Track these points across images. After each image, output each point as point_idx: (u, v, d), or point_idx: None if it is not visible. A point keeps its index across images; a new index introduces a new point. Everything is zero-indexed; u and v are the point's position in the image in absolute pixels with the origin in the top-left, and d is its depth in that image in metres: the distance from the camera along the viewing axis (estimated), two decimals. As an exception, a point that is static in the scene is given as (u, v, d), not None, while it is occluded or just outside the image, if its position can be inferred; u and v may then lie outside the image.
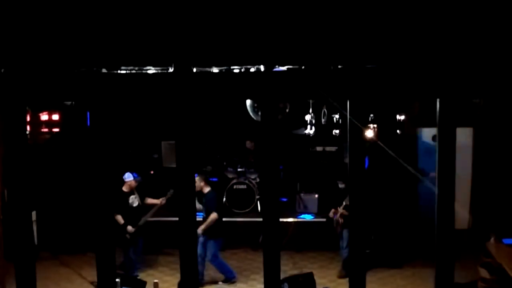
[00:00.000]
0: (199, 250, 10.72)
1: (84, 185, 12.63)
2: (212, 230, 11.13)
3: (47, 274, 11.53)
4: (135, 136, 15.30)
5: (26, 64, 4.40)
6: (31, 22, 4.33)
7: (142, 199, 11.80)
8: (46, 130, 13.68)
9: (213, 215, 11.09)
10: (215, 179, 14.61)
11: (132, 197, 11.57)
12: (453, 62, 4.25)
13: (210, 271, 11.42)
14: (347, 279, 11.25)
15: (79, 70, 4.49)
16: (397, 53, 4.33)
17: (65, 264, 12.32)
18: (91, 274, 11.39)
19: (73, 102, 11.64)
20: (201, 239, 11.00)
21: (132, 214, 11.48)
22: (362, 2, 4.32)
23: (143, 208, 11.74)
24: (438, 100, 4.22)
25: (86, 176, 12.51)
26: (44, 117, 13.63)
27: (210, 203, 11.29)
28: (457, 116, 4.44)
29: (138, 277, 11.33)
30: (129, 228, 11.33)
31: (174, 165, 14.70)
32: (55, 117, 13.78)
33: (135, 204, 11.61)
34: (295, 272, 11.15)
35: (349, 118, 4.31)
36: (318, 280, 10.12)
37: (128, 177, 11.51)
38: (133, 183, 11.55)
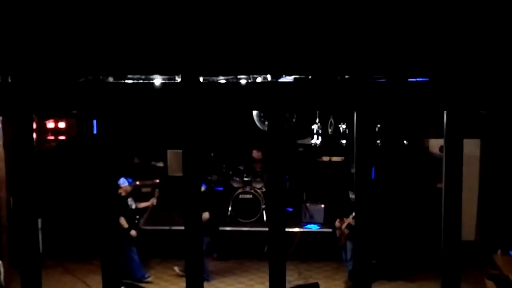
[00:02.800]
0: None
1: (89, 193, 12.70)
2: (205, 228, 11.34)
3: (51, 282, 11.53)
4: (141, 145, 15.35)
5: (33, 72, 4.40)
6: (38, 30, 4.32)
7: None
8: (52, 137, 13.73)
9: (205, 214, 11.30)
10: (220, 188, 14.61)
11: (129, 200, 11.80)
12: (460, 73, 4.22)
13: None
14: (353, 290, 11.42)
15: (86, 79, 4.49)
16: (405, 64, 4.30)
17: (70, 272, 12.31)
18: (96, 282, 11.39)
19: (79, 111, 11.69)
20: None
21: (133, 217, 11.73)
22: (369, 13, 4.29)
23: (138, 211, 11.99)
24: (445, 112, 4.19)
25: (92, 184, 12.65)
26: (50, 124, 13.69)
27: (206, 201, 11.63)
28: (465, 128, 4.41)
29: (150, 277, 11.71)
30: (133, 232, 11.55)
31: (179, 174, 14.94)
32: (61, 124, 13.85)
33: (133, 206, 11.88)
34: (300, 282, 11.12)
35: (356, 129, 4.28)
36: (324, 291, 10.10)
37: (123, 182, 11.66)
38: (128, 188, 11.75)
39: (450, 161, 4.33)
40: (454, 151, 4.32)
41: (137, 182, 12.25)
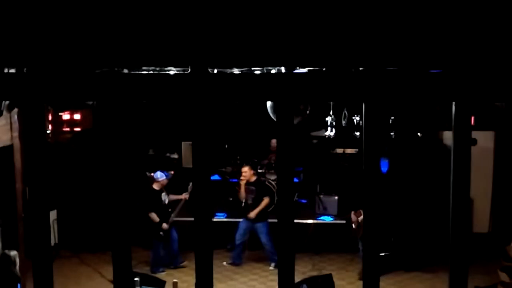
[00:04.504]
0: (243, 236, 12.07)
1: (104, 184, 12.77)
2: (263, 214, 12.11)
3: (67, 272, 11.64)
4: (155, 137, 15.39)
5: (49, 64, 4.44)
6: (53, 22, 4.37)
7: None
8: (67, 129, 13.80)
9: (266, 200, 12.14)
10: (235, 180, 14.64)
11: (163, 194, 12.02)
12: (470, 65, 4.22)
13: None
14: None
15: (101, 70, 4.53)
16: (416, 56, 4.31)
17: (86, 263, 12.42)
18: (110, 273, 11.40)
19: (95, 102, 11.78)
20: (247, 224, 12.06)
21: (165, 211, 11.94)
22: (382, 5, 4.31)
23: (171, 204, 12.17)
24: (453, 103, 4.20)
25: (106, 175, 12.71)
26: (65, 116, 13.76)
27: (262, 190, 12.39)
28: (479, 120, 4.43)
29: (164, 272, 11.78)
30: (164, 225, 11.78)
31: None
32: (77, 116, 13.91)
33: (166, 201, 12.08)
34: (314, 273, 11.16)
35: (365, 121, 4.31)
36: (337, 282, 10.11)
37: (161, 176, 11.98)
38: (165, 182, 12.07)
39: (458, 151, 4.34)
40: (462, 141, 4.33)
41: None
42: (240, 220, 12.34)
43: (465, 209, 4.27)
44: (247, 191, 12.20)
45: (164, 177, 12.01)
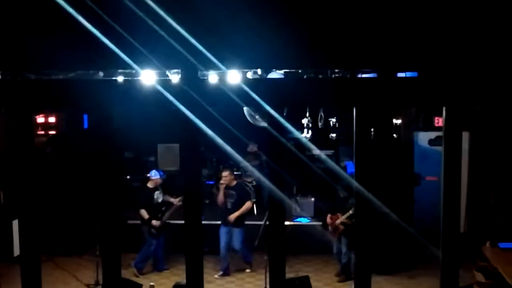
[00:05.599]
0: (226, 239, 11.77)
1: (79, 187, 12.71)
2: (241, 219, 11.86)
3: (42, 276, 11.47)
4: (131, 139, 15.30)
5: (29, 70, 4.44)
6: (38, 28, 4.36)
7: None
8: (42, 132, 13.71)
9: (248, 204, 11.91)
10: (212, 182, 14.62)
11: (156, 192, 12.13)
12: (458, 71, 4.28)
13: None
14: (345, 283, 11.45)
15: (79, 76, 4.53)
16: (405, 61, 4.36)
17: (61, 267, 12.30)
18: (87, 277, 11.40)
19: (70, 107, 11.71)
20: (226, 230, 11.80)
21: (157, 210, 12.00)
22: (362, 10, 4.34)
23: (166, 204, 12.23)
24: (444, 108, 4.26)
25: (82, 178, 12.63)
26: (40, 119, 13.66)
27: (243, 194, 12.06)
28: (461, 122, 4.48)
29: (167, 270, 12.00)
30: (154, 222, 11.80)
31: (170, 168, 14.90)
32: (51, 119, 13.83)
33: (160, 199, 12.16)
34: (291, 275, 11.10)
35: (356, 126, 4.33)
36: (314, 283, 10.14)
37: (155, 175, 12.13)
38: (159, 181, 12.17)
39: (449, 155, 4.38)
40: (452, 144, 4.38)
41: (128, 177, 12.33)
42: (220, 226, 12.00)
43: (456, 209, 4.32)
44: (226, 195, 11.91)
45: (158, 176, 12.09)
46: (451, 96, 4.27)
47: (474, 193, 13.43)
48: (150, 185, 12.11)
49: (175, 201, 12.15)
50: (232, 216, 11.71)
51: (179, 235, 12.28)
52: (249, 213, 12.45)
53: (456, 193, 4.40)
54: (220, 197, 11.91)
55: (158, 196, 12.14)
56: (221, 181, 12.00)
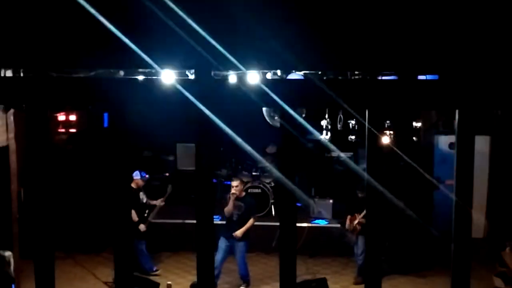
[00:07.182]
0: (223, 255, 11.00)
1: (99, 186, 12.75)
2: (246, 233, 11.24)
3: (60, 273, 11.50)
4: (150, 138, 15.34)
5: (44, 67, 4.46)
6: (55, 27, 4.39)
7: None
8: (63, 130, 13.78)
9: (252, 220, 11.28)
10: (229, 183, 14.65)
11: (141, 193, 11.94)
12: (473, 73, 4.25)
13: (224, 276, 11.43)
14: (363, 285, 11.38)
15: (98, 74, 4.56)
16: (419, 64, 4.33)
17: (80, 264, 12.38)
18: (105, 274, 11.45)
19: (91, 105, 11.72)
20: (226, 243, 11.15)
21: (143, 211, 11.86)
22: (382, 13, 4.32)
23: (148, 206, 12.10)
24: (457, 111, 4.22)
25: (102, 177, 12.68)
26: (61, 117, 13.74)
27: (250, 208, 11.40)
28: (475, 125, 4.44)
29: (158, 271, 11.91)
30: (142, 226, 11.70)
31: (188, 168, 14.90)
32: (72, 117, 13.89)
33: (144, 200, 12.00)
34: (308, 277, 11.14)
35: (368, 128, 4.32)
36: (332, 286, 10.09)
37: (136, 175, 11.76)
38: (140, 182, 11.85)
39: (462, 158, 4.35)
40: (465, 148, 4.35)
41: (146, 176, 12.23)
42: (219, 238, 11.18)
43: (468, 212, 4.29)
44: (235, 206, 11.18)
45: (139, 177, 11.77)
46: (470, 99, 4.23)
47: (495, 198, 13.33)
48: (133, 185, 11.54)
49: (158, 202, 12.08)
50: (239, 232, 11.09)
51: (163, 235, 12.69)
52: (266, 214, 12.38)
53: (468, 197, 4.36)
54: (229, 207, 11.16)
55: (143, 197, 11.98)
56: (232, 191, 11.20)
